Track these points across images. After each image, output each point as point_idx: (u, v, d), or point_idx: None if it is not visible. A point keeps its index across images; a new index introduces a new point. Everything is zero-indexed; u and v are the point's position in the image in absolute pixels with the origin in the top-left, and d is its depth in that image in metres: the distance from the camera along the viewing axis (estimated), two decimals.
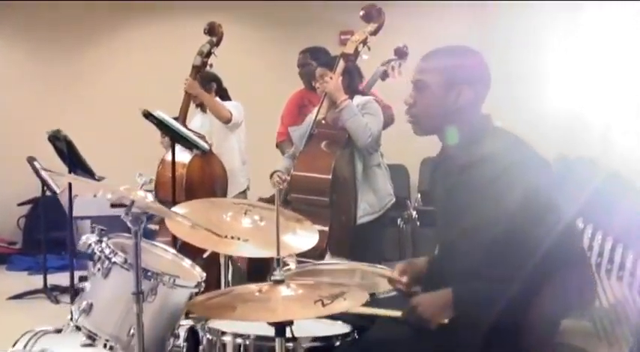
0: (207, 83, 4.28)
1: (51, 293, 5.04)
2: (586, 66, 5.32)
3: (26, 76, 6.73)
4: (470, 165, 1.77)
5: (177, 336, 2.01)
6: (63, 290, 5.12)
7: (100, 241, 2.00)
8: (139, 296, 1.69)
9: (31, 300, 5.06)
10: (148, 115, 3.53)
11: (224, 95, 4.43)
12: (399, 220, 5.41)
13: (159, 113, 3.48)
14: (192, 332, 2.18)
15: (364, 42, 3.39)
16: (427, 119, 1.84)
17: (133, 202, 1.67)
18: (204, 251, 2.55)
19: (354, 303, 1.57)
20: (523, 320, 1.65)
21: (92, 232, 2.12)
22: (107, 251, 1.92)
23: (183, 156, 3.92)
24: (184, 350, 2.05)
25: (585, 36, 5.36)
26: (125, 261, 1.89)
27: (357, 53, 3.38)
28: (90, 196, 4.90)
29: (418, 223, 5.47)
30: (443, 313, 1.73)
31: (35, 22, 6.68)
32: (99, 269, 1.93)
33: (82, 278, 4.61)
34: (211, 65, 4.32)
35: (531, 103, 5.22)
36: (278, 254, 1.62)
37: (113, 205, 4.80)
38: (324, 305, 1.52)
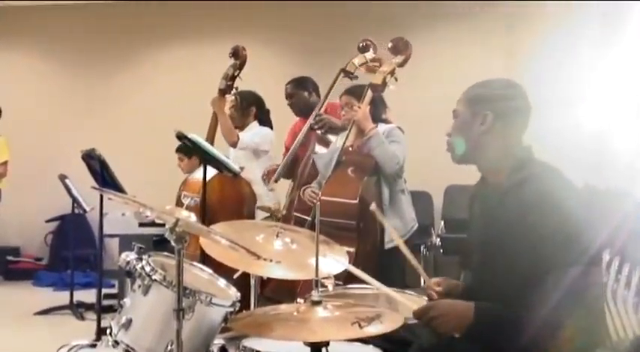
0: (246, 106, 4.41)
1: (77, 309, 5.12)
2: (613, 92, 5.36)
3: (60, 95, 6.91)
4: (508, 194, 1.81)
5: None
6: (88, 306, 5.20)
7: (140, 258, 2.06)
8: (179, 312, 1.74)
9: (56, 316, 5.14)
10: (181, 137, 3.61)
11: (264, 119, 4.54)
12: (422, 247, 5.43)
13: (192, 135, 3.56)
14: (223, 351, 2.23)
15: (392, 73, 3.49)
16: (463, 149, 1.90)
17: (177, 221, 1.72)
18: (233, 272, 2.61)
19: (390, 326, 1.61)
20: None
21: (132, 250, 2.18)
22: (147, 268, 1.97)
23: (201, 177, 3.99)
24: None
25: (612, 64, 5.40)
26: (164, 279, 1.95)
27: (384, 84, 3.48)
28: (118, 215, 4.98)
29: (441, 251, 5.48)
30: (457, 325, 1.74)
31: (70, 44, 6.86)
32: (139, 286, 1.98)
33: (107, 296, 4.72)
34: (236, 88, 4.44)
35: (558, 130, 5.25)
36: (317, 275, 1.67)
37: (142, 224, 4.90)
38: (361, 327, 1.56)
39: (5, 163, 6.10)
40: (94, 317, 4.90)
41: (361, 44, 4.08)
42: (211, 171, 3.90)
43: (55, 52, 6.92)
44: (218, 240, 1.83)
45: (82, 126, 6.65)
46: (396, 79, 3.52)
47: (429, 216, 5.77)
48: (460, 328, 1.74)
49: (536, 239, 1.70)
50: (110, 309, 4.90)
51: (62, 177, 5.28)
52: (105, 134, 6.35)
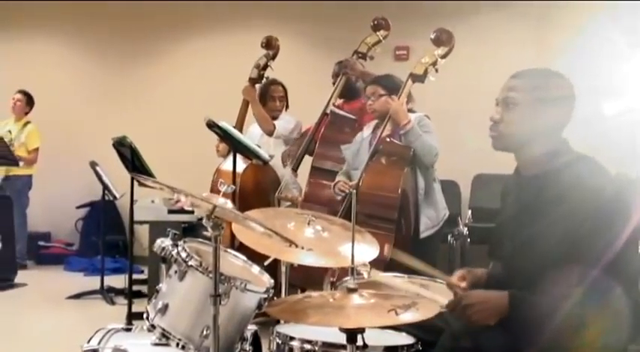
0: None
1: (107, 294, 5.21)
2: None
3: (91, 84, 6.99)
4: (543, 182, 1.81)
5: (245, 339, 2.08)
6: (117, 291, 5.29)
7: (175, 245, 2.09)
8: (216, 298, 1.76)
9: (87, 300, 5.24)
10: (211, 125, 3.64)
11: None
12: (449, 236, 5.41)
13: (223, 123, 3.58)
14: (255, 337, 2.26)
15: (434, 64, 3.47)
16: (512, 136, 1.88)
17: (214, 207, 1.74)
18: (262, 259, 2.63)
19: (426, 314, 1.61)
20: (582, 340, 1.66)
21: (167, 236, 2.21)
22: (183, 254, 2.00)
23: (237, 165, 4.03)
24: None
25: None
26: (200, 265, 1.97)
27: (425, 74, 3.46)
28: (148, 202, 5.05)
29: (469, 240, 5.45)
30: (492, 315, 1.74)
31: (100, 33, 6.93)
32: (175, 272, 2.01)
33: (137, 282, 4.78)
34: (267, 77, 4.46)
35: (589, 120, 5.19)
36: (353, 263, 1.68)
37: (171, 211, 4.96)
38: (397, 314, 1.56)
39: (36, 150, 6.22)
40: (124, 301, 5.00)
41: (374, 22, 4.07)
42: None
43: (86, 41, 7.00)
44: (254, 227, 1.85)
45: (112, 114, 6.72)
46: (436, 70, 3.50)
47: (456, 205, 5.75)
48: (494, 317, 1.74)
49: (571, 226, 1.69)
50: (139, 295, 4.99)
51: (93, 164, 5.35)
52: (135, 121, 6.41)
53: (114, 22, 6.90)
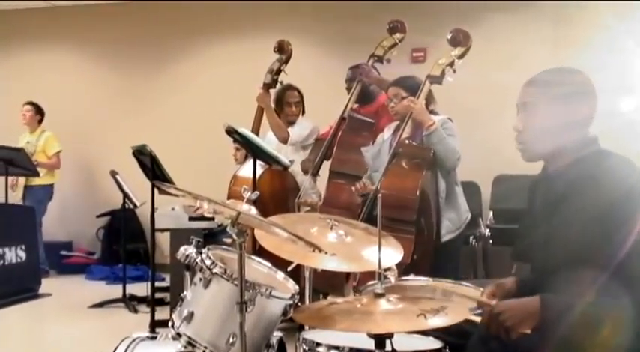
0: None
1: (129, 302, 5.23)
2: None
3: (110, 93, 7.04)
4: (574, 184, 1.77)
5: (271, 346, 2.07)
6: (140, 299, 5.31)
7: (199, 252, 2.08)
8: (242, 305, 1.75)
9: (110, 309, 5.26)
10: (231, 131, 3.64)
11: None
12: (471, 238, 5.36)
13: (242, 129, 3.58)
14: (280, 344, 2.25)
15: (451, 65, 3.45)
16: (538, 141, 1.85)
17: (239, 214, 1.73)
18: (284, 264, 2.62)
19: (455, 318, 1.59)
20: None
21: (190, 243, 2.21)
22: (208, 262, 1.99)
23: (251, 171, 4.03)
24: None
25: None
26: (225, 272, 1.96)
27: (443, 75, 3.44)
28: (168, 209, 5.06)
29: (491, 241, 5.40)
30: (527, 322, 1.71)
31: (117, 42, 6.98)
32: (200, 279, 2.00)
33: (159, 289, 4.79)
34: (281, 82, 4.46)
35: (607, 117, 5.12)
36: (380, 267, 1.66)
37: (191, 218, 4.96)
38: (426, 318, 1.54)
39: (57, 154, 6.28)
40: (146, 309, 5.02)
41: (390, 25, 4.07)
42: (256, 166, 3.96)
43: (104, 51, 7.05)
44: (278, 232, 1.83)
45: (131, 123, 6.77)
46: (454, 71, 3.48)
47: (477, 206, 5.70)
48: (528, 323, 1.70)
49: (598, 220, 1.65)
50: (162, 302, 5.00)
51: (113, 173, 5.38)
52: (153, 130, 6.45)
53: (131, 31, 6.95)
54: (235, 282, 1.93)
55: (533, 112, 1.83)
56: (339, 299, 1.82)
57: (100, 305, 5.28)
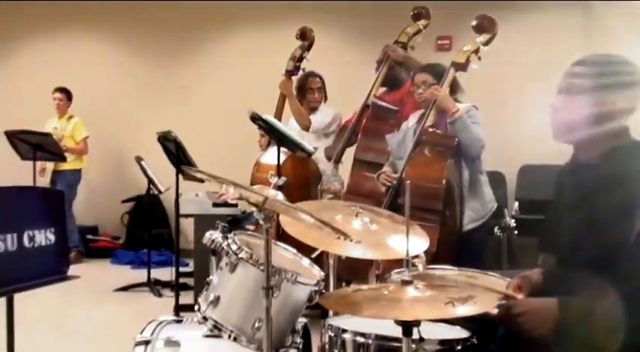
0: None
1: (154, 286, 5.28)
2: None
3: (136, 80, 7.09)
4: (606, 177, 1.74)
5: (296, 332, 2.07)
6: (164, 284, 5.36)
7: (225, 237, 2.09)
8: (268, 290, 1.75)
9: (134, 293, 5.32)
10: (255, 118, 3.64)
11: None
12: (495, 228, 5.31)
13: (267, 116, 3.58)
14: (304, 330, 2.25)
15: (476, 52, 3.40)
16: (573, 126, 1.82)
17: (266, 199, 1.73)
18: (309, 251, 2.62)
19: (483, 307, 1.58)
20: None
21: (216, 229, 2.21)
22: (234, 247, 1.99)
23: (274, 158, 4.03)
24: (301, 346, 2.10)
25: None
26: (251, 257, 1.97)
27: (467, 63, 3.40)
28: (192, 195, 5.09)
29: (516, 232, 5.34)
30: (543, 323, 1.70)
31: (145, 33, 7.01)
32: (226, 264, 2.01)
33: (183, 274, 4.83)
34: (304, 69, 4.45)
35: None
36: (407, 255, 1.65)
37: (215, 204, 4.99)
38: (454, 307, 1.53)
39: (84, 140, 6.35)
40: (170, 294, 5.08)
41: (414, 11, 4.02)
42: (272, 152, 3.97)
43: (130, 40, 7.10)
44: (305, 219, 1.83)
45: (157, 110, 6.82)
46: (479, 58, 3.43)
47: (502, 196, 5.64)
48: (545, 325, 1.69)
49: (629, 212, 1.63)
50: (186, 287, 5.04)
51: (138, 159, 5.42)
52: (178, 116, 6.49)
53: (157, 20, 6.97)
54: (261, 267, 1.93)
55: (576, 96, 1.78)
56: (366, 286, 1.81)
57: (125, 288, 5.35)
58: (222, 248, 2.04)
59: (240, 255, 1.97)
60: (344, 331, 1.89)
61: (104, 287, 5.37)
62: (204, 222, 4.99)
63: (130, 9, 6.98)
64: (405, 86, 4.22)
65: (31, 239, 2.68)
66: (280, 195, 1.80)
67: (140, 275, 5.61)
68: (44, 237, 2.72)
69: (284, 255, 2.23)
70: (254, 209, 3.75)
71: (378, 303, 1.59)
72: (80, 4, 7.08)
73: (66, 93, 6.41)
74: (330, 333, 1.92)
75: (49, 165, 6.21)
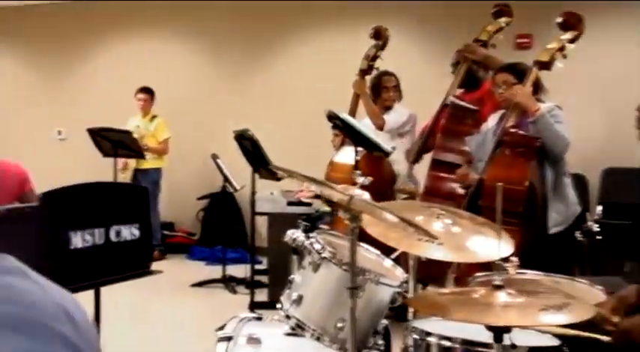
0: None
1: (229, 283, 5.37)
2: None
3: (212, 79, 7.22)
4: None
5: (379, 333, 2.05)
6: (239, 281, 5.44)
7: (307, 236, 2.09)
8: (353, 291, 1.74)
9: (210, 288, 5.42)
10: (332, 117, 3.63)
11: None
12: (577, 233, 5.12)
13: (344, 115, 3.56)
14: (385, 332, 2.22)
15: (561, 50, 3.28)
16: None
17: (351, 198, 1.72)
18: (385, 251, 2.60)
19: (579, 316, 1.51)
20: None
21: (297, 228, 2.22)
22: (317, 246, 2.00)
23: (347, 158, 4.02)
24: (383, 348, 2.08)
25: None
26: (334, 256, 1.96)
27: (552, 61, 3.28)
28: (267, 194, 5.15)
29: (599, 237, 5.13)
30: None
31: (223, 33, 7.14)
32: (309, 263, 2.01)
33: (257, 272, 4.90)
34: (377, 69, 4.41)
35: None
36: (499, 259, 1.60)
37: (290, 203, 5.03)
38: (548, 314, 1.47)
39: (166, 141, 6.52)
40: (244, 291, 5.15)
41: (495, 9, 3.91)
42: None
43: (208, 40, 7.23)
44: (390, 219, 1.81)
45: (232, 109, 6.92)
46: (564, 57, 3.30)
47: (585, 200, 5.44)
48: None
49: None
50: (260, 284, 5.10)
51: (214, 157, 5.51)
52: (253, 116, 6.57)
53: (233, 22, 7.08)
54: (344, 267, 1.92)
55: None
56: (455, 289, 1.77)
57: (201, 284, 5.45)
58: (305, 247, 2.04)
59: (323, 255, 1.97)
60: (429, 334, 1.85)
61: (181, 282, 5.49)
62: (277, 221, 5.04)
63: (206, 10, 7.12)
64: (483, 86, 4.12)
65: (118, 234, 2.77)
66: (367, 195, 1.78)
67: (215, 271, 5.72)
68: (129, 232, 2.82)
69: (366, 255, 2.21)
70: (328, 208, 3.74)
71: (468, 307, 1.55)
72: (158, 5, 7.28)
73: (150, 94, 6.58)
74: (414, 336, 1.89)
75: (132, 163, 6.38)
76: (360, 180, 1.90)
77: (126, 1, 7.35)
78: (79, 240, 2.60)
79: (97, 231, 2.66)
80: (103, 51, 7.62)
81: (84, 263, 2.52)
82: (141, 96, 6.52)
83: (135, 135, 6.05)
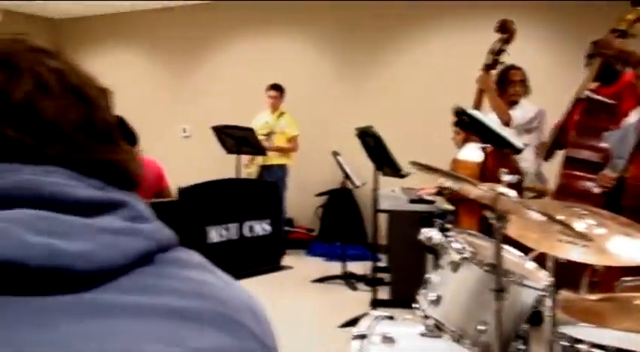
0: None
1: (349, 280, 5.39)
2: None
3: (332, 77, 7.28)
4: None
5: (521, 338, 1.97)
6: (358, 278, 5.45)
7: (445, 235, 2.05)
8: (499, 293, 1.68)
9: (330, 285, 5.47)
10: (460, 113, 3.54)
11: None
12: None
13: (473, 111, 3.47)
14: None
15: None
16: None
17: (498, 197, 1.65)
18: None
19: None
20: None
21: (433, 227, 2.18)
22: (457, 245, 1.95)
23: (472, 155, 3.90)
24: None
25: None
26: (475, 256, 1.90)
27: None
28: (388, 191, 5.12)
29: None
30: None
31: (341, 31, 7.19)
32: (448, 263, 1.96)
33: (377, 269, 4.89)
34: (502, 63, 4.24)
35: None
36: None
37: (412, 201, 4.97)
38: None
39: (295, 138, 6.56)
40: (364, 288, 5.15)
41: None
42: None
43: (325, 38, 7.30)
44: (538, 217, 1.73)
45: (353, 107, 6.95)
46: None
47: None
48: None
49: None
50: (381, 282, 5.08)
51: (335, 154, 5.54)
52: (372, 113, 6.56)
53: (354, 21, 7.11)
54: (485, 268, 1.86)
55: None
56: (606, 295, 1.66)
57: (322, 280, 5.51)
58: (443, 246, 2.00)
59: (464, 255, 1.91)
60: (579, 341, 1.75)
61: (303, 278, 5.57)
62: (398, 218, 5.00)
63: (328, 11, 7.19)
64: (621, 79, 3.86)
65: (251, 229, 2.85)
66: (514, 194, 1.71)
67: (334, 267, 5.76)
68: (261, 227, 2.89)
69: (508, 256, 2.13)
70: (450, 207, 3.66)
71: (630, 316, 1.45)
72: (283, 5, 7.43)
73: (280, 90, 6.68)
74: (562, 343, 1.80)
75: (258, 158, 6.47)
76: (507, 178, 1.82)
77: (252, 2, 7.55)
78: (215, 234, 2.69)
79: (232, 226, 2.76)
80: (228, 50, 7.89)
81: (221, 257, 2.61)
82: (272, 93, 6.63)
83: (263, 131, 6.18)
